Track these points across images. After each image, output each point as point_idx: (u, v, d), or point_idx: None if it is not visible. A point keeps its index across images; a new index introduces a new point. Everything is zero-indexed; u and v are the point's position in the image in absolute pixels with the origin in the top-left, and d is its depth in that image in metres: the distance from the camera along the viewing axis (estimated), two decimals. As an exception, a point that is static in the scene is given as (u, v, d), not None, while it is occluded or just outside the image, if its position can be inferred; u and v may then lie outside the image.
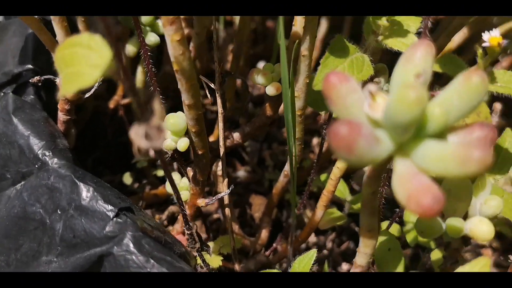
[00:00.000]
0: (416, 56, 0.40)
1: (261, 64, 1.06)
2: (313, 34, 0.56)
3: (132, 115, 0.84)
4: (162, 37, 0.68)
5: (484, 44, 0.46)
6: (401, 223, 0.76)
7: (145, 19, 0.70)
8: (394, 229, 0.75)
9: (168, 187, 0.70)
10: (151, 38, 0.70)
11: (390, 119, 0.35)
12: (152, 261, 0.50)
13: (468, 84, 0.36)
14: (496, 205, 0.51)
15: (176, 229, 0.71)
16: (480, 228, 0.47)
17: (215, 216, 0.83)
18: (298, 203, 0.85)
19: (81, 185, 0.55)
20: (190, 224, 0.55)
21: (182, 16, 0.51)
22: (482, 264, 0.44)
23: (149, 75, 0.57)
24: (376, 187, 0.44)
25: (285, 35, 0.57)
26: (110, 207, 0.53)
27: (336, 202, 0.82)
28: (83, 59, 0.39)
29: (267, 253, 0.78)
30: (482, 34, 0.47)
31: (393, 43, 0.50)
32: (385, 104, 0.38)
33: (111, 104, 0.83)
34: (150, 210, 0.80)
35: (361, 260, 0.49)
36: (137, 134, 0.36)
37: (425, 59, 0.40)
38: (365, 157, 0.35)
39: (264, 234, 0.79)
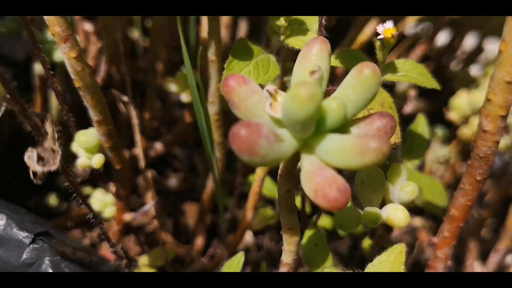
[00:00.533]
0: (312, 53, 0.41)
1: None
2: (217, 38, 0.56)
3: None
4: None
5: (379, 37, 0.47)
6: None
7: (50, 36, 0.68)
8: (325, 221, 0.76)
9: (93, 204, 0.69)
10: (59, 55, 0.67)
11: (288, 117, 0.36)
12: (73, 284, 0.49)
13: (360, 77, 0.37)
14: (411, 191, 0.52)
15: (106, 247, 0.70)
16: (395, 215, 0.48)
17: (151, 227, 0.82)
18: (228, 207, 0.85)
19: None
20: (113, 241, 0.54)
21: (83, 31, 0.49)
22: (398, 252, 0.45)
23: (56, 95, 0.55)
24: (290, 185, 0.44)
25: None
26: (25, 234, 0.51)
27: (271, 201, 0.83)
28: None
29: (204, 259, 0.77)
30: (377, 27, 0.48)
31: (293, 42, 0.51)
32: (285, 101, 0.38)
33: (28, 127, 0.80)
34: (80, 229, 0.78)
35: (287, 258, 0.49)
36: (30, 158, 0.35)
37: (320, 55, 0.40)
38: (268, 157, 0.35)
39: (200, 240, 0.78)
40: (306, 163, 0.38)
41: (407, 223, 0.49)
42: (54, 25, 0.46)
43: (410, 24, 0.93)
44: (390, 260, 0.45)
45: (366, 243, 0.72)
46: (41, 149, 0.35)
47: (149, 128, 0.74)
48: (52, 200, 0.79)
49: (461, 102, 0.90)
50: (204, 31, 0.65)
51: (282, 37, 0.52)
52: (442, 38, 1.22)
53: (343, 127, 0.39)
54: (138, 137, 0.63)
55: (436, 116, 1.02)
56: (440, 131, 1.03)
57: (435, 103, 1.07)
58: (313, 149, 0.38)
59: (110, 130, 0.54)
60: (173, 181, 0.89)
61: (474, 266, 0.89)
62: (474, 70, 1.27)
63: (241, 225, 0.69)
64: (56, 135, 0.36)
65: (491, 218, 0.96)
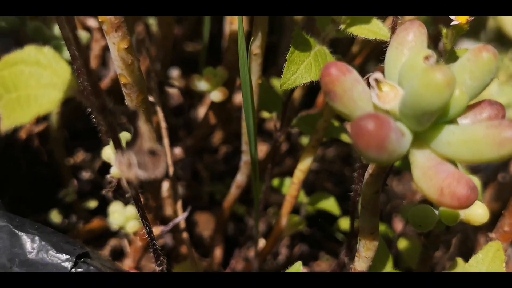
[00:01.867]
0: (410, 38, 0.37)
1: (175, 73, 0.99)
2: (264, 30, 0.52)
3: (49, 143, 0.73)
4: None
5: (453, 23, 0.45)
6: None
7: (58, 31, 0.61)
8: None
9: (112, 218, 0.62)
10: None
11: (413, 108, 0.32)
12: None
13: (479, 61, 0.34)
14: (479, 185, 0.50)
15: (128, 265, 0.63)
16: (475, 211, 0.46)
17: (160, 241, 0.75)
18: (243, 215, 0.80)
19: (23, 235, 0.45)
20: (162, 258, 0.48)
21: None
22: (495, 249, 0.42)
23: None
24: (379, 185, 0.40)
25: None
26: (65, 256, 0.44)
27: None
28: (31, 79, 0.31)
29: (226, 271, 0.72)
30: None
31: (358, 31, 0.47)
32: (394, 94, 0.34)
33: (23, 133, 0.72)
34: (88, 247, 0.70)
35: (361, 265, 0.45)
36: (124, 163, 0.29)
37: (420, 40, 0.37)
38: (395, 153, 0.31)
39: (219, 252, 0.73)
40: (421, 158, 0.34)
41: (487, 220, 0.47)
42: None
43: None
44: (488, 259, 0.42)
45: (402, 243, 0.69)
46: (135, 152, 0.29)
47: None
48: (55, 217, 0.71)
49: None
50: (231, 23, 0.60)
51: (342, 26, 0.48)
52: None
53: (454, 118, 0.36)
54: (166, 142, 0.57)
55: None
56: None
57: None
58: (427, 143, 0.34)
59: (152, 133, 0.49)
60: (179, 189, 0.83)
61: None
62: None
63: (275, 232, 0.64)
64: (154, 135, 0.30)
65: None
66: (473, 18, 0.45)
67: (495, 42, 1.20)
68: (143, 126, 0.30)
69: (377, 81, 0.35)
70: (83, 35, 0.61)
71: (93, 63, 0.70)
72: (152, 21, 0.79)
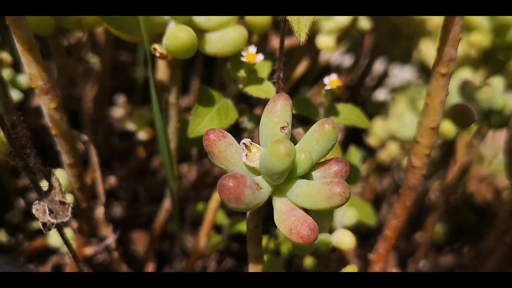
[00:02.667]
0: (277, 108, 0.48)
1: (121, 99, 1.08)
2: (178, 84, 0.62)
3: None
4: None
5: (326, 87, 0.56)
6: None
7: (5, 75, 0.69)
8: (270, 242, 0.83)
9: (51, 239, 0.71)
10: (15, 95, 0.69)
11: (267, 168, 0.42)
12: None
13: (322, 131, 0.45)
14: (352, 216, 0.61)
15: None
16: (344, 239, 0.57)
17: (99, 257, 0.84)
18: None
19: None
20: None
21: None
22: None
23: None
24: (258, 221, 0.50)
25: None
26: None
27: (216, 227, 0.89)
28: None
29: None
30: (323, 79, 0.56)
31: (253, 91, 0.58)
32: (259, 154, 0.45)
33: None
34: (32, 264, 0.79)
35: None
36: (39, 210, 0.39)
37: (285, 110, 0.48)
38: (252, 203, 0.42)
39: (151, 267, 0.82)
40: (279, 204, 0.45)
41: (354, 246, 0.58)
42: (36, 79, 0.49)
43: (336, 55, 1.04)
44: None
45: (309, 261, 0.80)
46: (48, 201, 0.39)
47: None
48: (2, 236, 0.79)
49: (378, 129, 1.02)
50: (159, 73, 0.70)
51: (240, 86, 0.58)
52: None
53: (307, 172, 0.46)
54: (98, 175, 0.66)
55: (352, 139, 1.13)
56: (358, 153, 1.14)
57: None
58: (284, 193, 0.45)
59: (80, 171, 0.58)
60: (118, 209, 0.92)
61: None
62: (382, 94, 1.42)
63: (195, 252, 0.74)
64: (63, 189, 0.40)
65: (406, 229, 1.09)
66: (341, 85, 0.56)
67: (420, 70, 1.33)
68: (55, 182, 0.39)
69: (245, 144, 0.45)
70: (15, 94, 0.69)
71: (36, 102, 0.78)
72: (94, 59, 0.88)
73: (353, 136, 1.13)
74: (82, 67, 0.85)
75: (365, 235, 1.07)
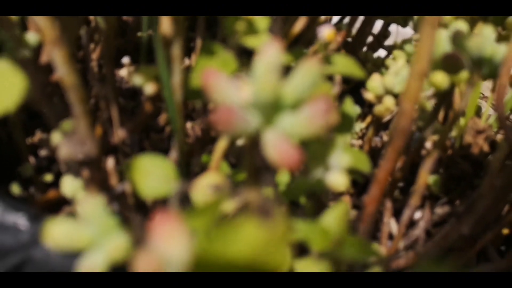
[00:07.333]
0: (269, 52, 0.51)
1: (125, 60, 1.11)
2: (181, 38, 0.65)
3: (8, 126, 0.85)
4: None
5: (322, 39, 0.59)
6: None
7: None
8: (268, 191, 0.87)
9: (63, 188, 0.75)
10: (25, 52, 0.72)
11: (256, 99, 0.46)
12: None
13: (306, 70, 0.48)
14: (346, 160, 0.64)
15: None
16: (337, 179, 0.61)
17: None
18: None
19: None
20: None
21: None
22: (341, 208, 0.57)
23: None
24: (253, 152, 0.54)
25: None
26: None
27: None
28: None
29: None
30: (317, 28, 0.59)
31: (250, 42, 0.61)
32: (252, 90, 0.48)
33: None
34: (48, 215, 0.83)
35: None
36: (66, 145, 0.43)
37: (275, 54, 0.51)
38: (242, 130, 0.46)
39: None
40: (268, 136, 0.48)
41: (347, 186, 0.62)
42: (47, 30, 0.52)
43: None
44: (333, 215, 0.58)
45: (305, 203, 0.85)
46: (74, 138, 0.43)
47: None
48: (15, 189, 0.84)
49: (376, 84, 1.04)
50: (163, 29, 0.73)
51: (239, 38, 0.61)
52: (357, 24, 1.37)
53: (296, 107, 0.50)
54: (116, 130, 0.70)
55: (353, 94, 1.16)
56: (357, 109, 1.18)
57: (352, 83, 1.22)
58: (272, 125, 0.49)
59: (91, 121, 0.62)
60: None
61: (391, 224, 1.06)
62: (382, 53, 1.44)
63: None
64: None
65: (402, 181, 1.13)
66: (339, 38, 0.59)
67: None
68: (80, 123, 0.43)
69: (238, 80, 0.49)
70: (32, 36, 0.72)
71: (45, 57, 0.81)
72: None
73: (353, 94, 1.17)
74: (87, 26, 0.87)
75: (363, 188, 1.12)
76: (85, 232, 0.46)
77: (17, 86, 0.44)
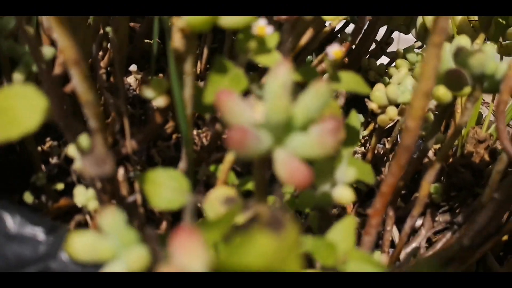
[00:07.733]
0: (280, 73, 0.53)
1: (133, 67, 1.13)
2: (193, 55, 0.67)
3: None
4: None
5: (330, 57, 0.61)
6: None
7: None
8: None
9: (76, 198, 0.77)
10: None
11: (267, 120, 0.48)
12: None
13: (316, 91, 0.50)
14: (352, 174, 0.67)
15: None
16: (343, 193, 0.63)
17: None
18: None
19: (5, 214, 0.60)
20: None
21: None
22: (348, 222, 0.59)
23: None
24: (262, 169, 0.56)
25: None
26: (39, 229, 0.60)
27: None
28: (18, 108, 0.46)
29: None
30: (326, 48, 0.61)
31: (262, 60, 0.63)
32: (263, 110, 0.50)
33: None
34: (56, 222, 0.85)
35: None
36: (87, 163, 0.45)
37: (286, 74, 0.53)
38: (254, 150, 0.48)
39: (164, 224, 0.89)
40: (279, 155, 0.50)
41: (353, 200, 0.64)
42: (68, 51, 0.54)
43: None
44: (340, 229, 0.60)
45: (312, 216, 0.87)
46: (95, 156, 0.45)
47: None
48: (27, 198, 0.86)
49: (379, 94, 1.06)
50: (175, 43, 0.75)
51: (250, 55, 0.63)
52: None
53: (305, 128, 0.52)
54: (128, 141, 0.72)
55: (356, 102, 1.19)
56: (360, 117, 1.20)
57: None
58: (283, 144, 0.51)
59: (105, 135, 0.64)
60: (132, 174, 0.99)
61: (393, 231, 1.08)
62: (385, 61, 1.46)
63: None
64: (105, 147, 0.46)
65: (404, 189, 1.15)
66: (344, 54, 0.61)
67: (423, 36, 1.37)
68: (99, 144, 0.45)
69: (251, 100, 0.51)
70: (48, 50, 0.74)
71: (58, 69, 0.83)
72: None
73: (357, 102, 1.19)
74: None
75: (366, 196, 1.14)
76: (106, 244, 0.48)
77: (40, 107, 0.46)
